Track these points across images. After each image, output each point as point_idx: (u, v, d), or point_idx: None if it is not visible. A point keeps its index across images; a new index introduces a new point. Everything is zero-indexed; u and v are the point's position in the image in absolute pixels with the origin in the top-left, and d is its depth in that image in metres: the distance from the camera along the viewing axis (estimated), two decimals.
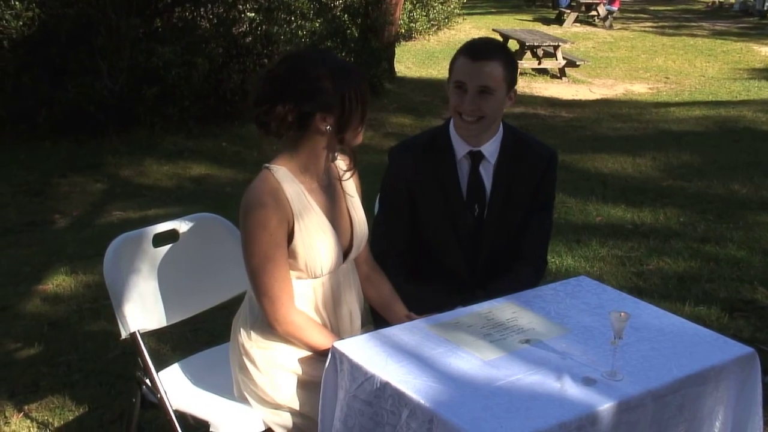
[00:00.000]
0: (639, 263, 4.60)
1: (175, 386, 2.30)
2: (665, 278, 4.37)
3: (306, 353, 2.12)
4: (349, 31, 11.50)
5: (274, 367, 2.12)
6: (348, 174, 2.23)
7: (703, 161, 7.33)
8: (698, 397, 1.94)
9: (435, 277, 2.48)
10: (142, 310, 2.27)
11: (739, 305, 4.01)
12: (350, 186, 2.26)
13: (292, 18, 10.72)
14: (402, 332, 2.04)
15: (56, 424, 2.96)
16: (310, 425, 2.07)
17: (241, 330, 2.16)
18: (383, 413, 1.84)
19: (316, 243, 2.08)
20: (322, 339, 2.08)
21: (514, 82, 2.39)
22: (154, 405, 2.26)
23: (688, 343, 2.05)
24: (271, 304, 2.04)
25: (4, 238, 6.14)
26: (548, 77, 13.18)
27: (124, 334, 2.23)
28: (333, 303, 2.18)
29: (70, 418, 2.99)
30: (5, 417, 3.01)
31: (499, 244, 2.49)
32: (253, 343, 2.13)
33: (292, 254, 2.05)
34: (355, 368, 1.90)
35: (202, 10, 10.57)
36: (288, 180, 2.06)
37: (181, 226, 2.43)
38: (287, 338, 2.09)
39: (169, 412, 2.19)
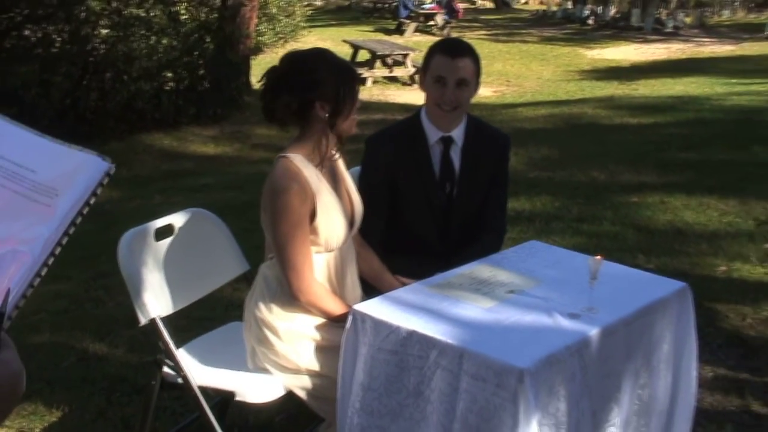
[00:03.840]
0: None
1: (192, 365, 2.48)
2: None
3: (322, 321, 2.39)
4: (206, 45, 11.55)
5: (295, 335, 2.36)
6: (338, 155, 2.52)
7: (560, 154, 8.07)
8: (652, 324, 2.38)
9: (412, 249, 2.80)
10: (155, 297, 2.44)
11: None
12: (344, 169, 2.54)
13: (150, 34, 10.67)
14: (406, 294, 2.36)
15: (37, 429, 3.01)
16: (329, 384, 2.32)
17: (261, 306, 2.39)
18: (409, 359, 2.14)
19: (334, 219, 2.35)
20: (336, 306, 2.36)
21: (480, 75, 2.76)
22: (174, 385, 2.44)
23: (636, 282, 2.51)
24: (296, 276, 2.29)
25: None
26: (400, 84, 13.79)
27: (143, 321, 2.39)
28: (341, 274, 2.46)
29: (53, 420, 3.05)
30: None
31: (467, 218, 2.86)
32: (274, 316, 2.36)
33: (314, 231, 2.31)
34: (379, 324, 2.19)
35: (53, 27, 10.32)
36: (304, 164, 2.33)
37: (176, 220, 2.62)
38: (308, 307, 2.35)
39: (193, 387, 2.38)
